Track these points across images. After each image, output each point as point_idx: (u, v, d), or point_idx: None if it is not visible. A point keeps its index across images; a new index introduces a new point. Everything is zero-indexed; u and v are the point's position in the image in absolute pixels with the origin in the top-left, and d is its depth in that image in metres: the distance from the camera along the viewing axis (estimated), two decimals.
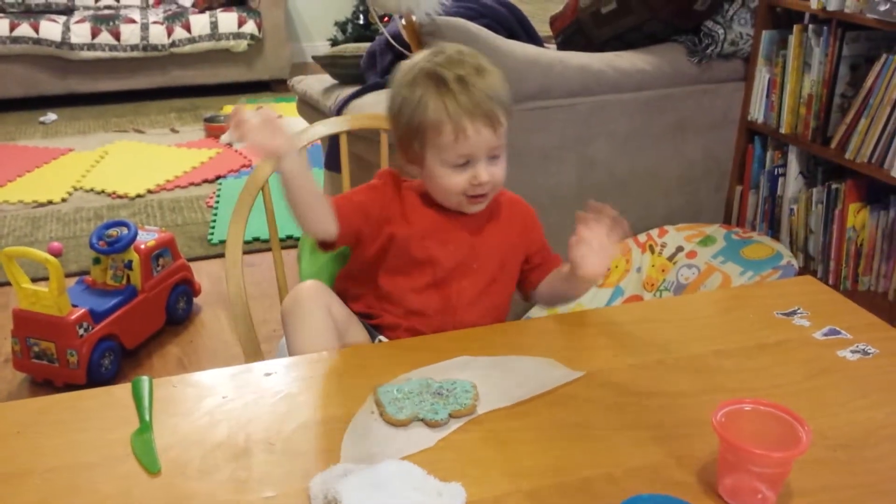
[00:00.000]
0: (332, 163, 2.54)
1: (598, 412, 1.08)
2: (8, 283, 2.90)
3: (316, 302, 1.31)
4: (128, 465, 0.97)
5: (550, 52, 2.33)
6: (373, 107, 2.46)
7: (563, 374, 1.15)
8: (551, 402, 1.09)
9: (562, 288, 1.41)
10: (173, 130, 4.75)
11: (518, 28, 2.59)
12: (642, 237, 2.49)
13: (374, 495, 0.86)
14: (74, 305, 2.39)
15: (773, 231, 2.60)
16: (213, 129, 4.61)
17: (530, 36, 2.61)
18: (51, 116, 4.93)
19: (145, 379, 1.10)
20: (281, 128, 1.21)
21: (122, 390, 1.10)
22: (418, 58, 1.34)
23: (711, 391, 1.12)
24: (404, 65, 1.36)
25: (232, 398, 1.09)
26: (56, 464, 0.97)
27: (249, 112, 1.19)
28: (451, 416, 1.05)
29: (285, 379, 1.15)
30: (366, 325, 1.38)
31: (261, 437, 1.02)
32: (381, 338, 1.37)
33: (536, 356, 1.19)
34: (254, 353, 1.46)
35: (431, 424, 1.03)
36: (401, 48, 2.37)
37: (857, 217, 2.33)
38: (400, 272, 1.37)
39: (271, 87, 5.51)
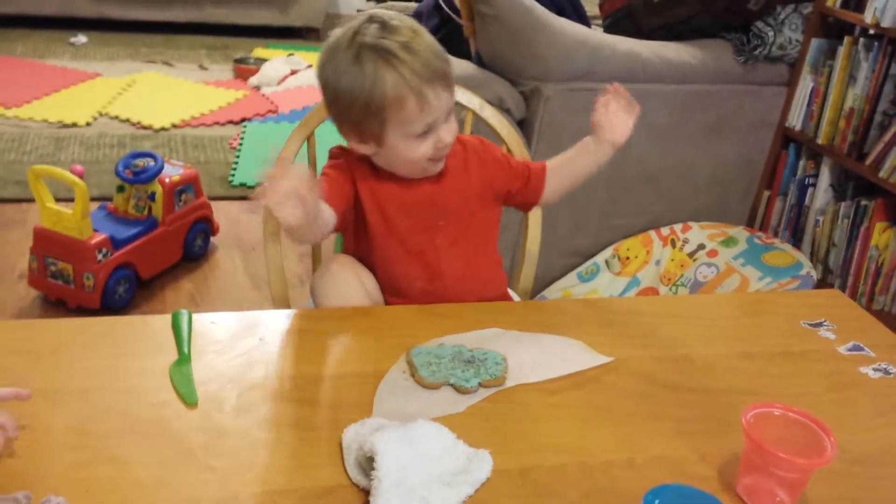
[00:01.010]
0: None
1: (624, 399, 1.09)
2: (28, 200, 2.91)
3: (348, 272, 1.31)
4: (164, 393, 0.98)
5: (599, 35, 2.32)
6: None
7: (593, 357, 1.16)
8: (579, 384, 1.11)
9: (576, 162, 1.44)
10: (202, 67, 4.73)
11: (567, 5, 2.57)
12: (665, 230, 2.50)
13: (406, 451, 0.88)
14: (95, 230, 2.40)
15: (796, 240, 2.61)
16: (243, 70, 4.59)
17: (579, 14, 2.60)
18: (81, 39, 4.90)
19: (185, 312, 1.11)
20: (308, 199, 1.05)
21: (160, 321, 1.12)
22: (342, 35, 1.24)
23: (736, 392, 1.13)
24: (330, 45, 1.25)
25: (269, 341, 1.11)
26: (93, 384, 0.99)
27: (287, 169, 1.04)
28: (480, 385, 1.06)
29: (321, 328, 1.16)
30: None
31: (296, 382, 1.03)
32: None
33: (566, 337, 1.21)
34: (283, 298, 1.47)
35: (461, 391, 1.05)
36: (449, 11, 2.36)
37: (882, 236, 2.33)
38: (377, 247, 1.36)
39: (303, 34, 5.47)
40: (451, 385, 1.06)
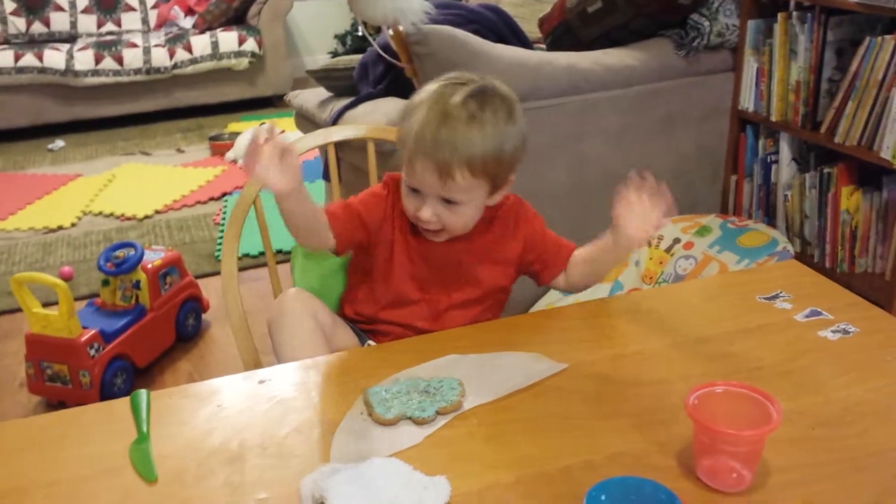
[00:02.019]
0: (329, 173, 2.59)
1: (580, 402, 1.11)
2: (21, 310, 2.96)
3: (301, 309, 1.34)
4: (126, 475, 1.01)
5: (538, 54, 2.37)
6: (366, 117, 2.50)
7: (548, 366, 1.18)
8: (535, 395, 1.13)
9: (600, 259, 1.37)
10: (179, 150, 4.81)
11: (507, 32, 2.62)
12: None
13: (359, 492, 0.90)
14: (85, 327, 2.44)
15: (770, 218, 2.62)
16: (218, 147, 4.67)
17: (519, 39, 2.65)
18: (58, 143, 5.00)
19: (143, 392, 1.14)
20: (293, 163, 1.16)
21: (122, 404, 1.14)
22: (449, 82, 1.31)
23: (691, 377, 1.14)
24: (450, 75, 1.34)
25: (226, 406, 1.13)
26: (58, 477, 1.01)
27: (264, 139, 1.14)
28: (437, 412, 1.08)
29: (278, 385, 1.18)
30: (355, 329, 1.41)
31: (254, 442, 1.06)
32: (370, 342, 1.40)
33: (523, 351, 1.22)
34: (253, 363, 1.49)
35: (419, 422, 1.07)
36: (390, 59, 2.41)
37: (851, 200, 2.35)
38: (391, 281, 1.41)
39: (273, 102, 5.57)
40: (409, 418, 1.08)
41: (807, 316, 1.30)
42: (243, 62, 5.30)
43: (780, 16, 2.42)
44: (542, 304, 2.49)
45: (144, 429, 1.07)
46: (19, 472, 1.03)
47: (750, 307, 1.33)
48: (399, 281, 1.40)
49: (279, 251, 3.09)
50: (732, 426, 0.93)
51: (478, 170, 1.26)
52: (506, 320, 1.41)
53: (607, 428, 1.05)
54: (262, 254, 3.30)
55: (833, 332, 1.26)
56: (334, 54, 5.75)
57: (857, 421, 1.06)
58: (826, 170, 2.39)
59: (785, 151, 2.51)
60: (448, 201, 1.29)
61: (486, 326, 1.36)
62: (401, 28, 2.22)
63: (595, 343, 1.25)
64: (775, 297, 1.36)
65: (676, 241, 2.43)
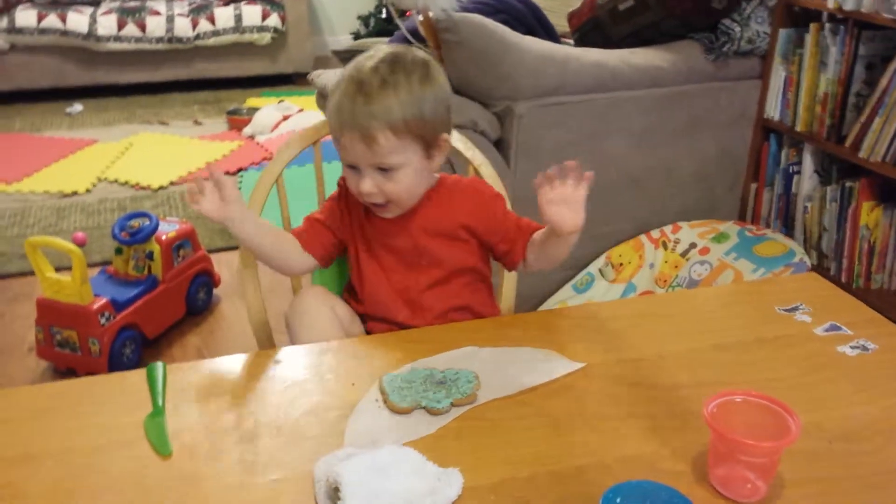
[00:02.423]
0: None
1: (596, 403, 1.10)
2: (33, 273, 2.96)
3: (320, 303, 1.35)
4: (140, 447, 1.01)
5: (566, 49, 2.35)
6: None
7: (564, 365, 1.17)
8: (551, 393, 1.12)
9: (549, 248, 1.35)
10: (197, 122, 4.81)
11: (535, 24, 2.61)
12: (655, 233, 2.51)
13: (373, 478, 0.90)
14: (97, 295, 2.44)
15: (787, 229, 2.61)
16: (236, 121, 4.66)
17: (548, 32, 2.63)
18: (76, 107, 5.00)
19: (159, 364, 1.14)
20: (232, 195, 1.26)
21: (136, 376, 1.14)
22: (365, 55, 1.32)
23: (707, 384, 1.14)
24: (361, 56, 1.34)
25: (242, 384, 1.13)
26: (70, 446, 1.01)
27: (203, 180, 1.25)
28: (452, 404, 1.08)
29: (294, 366, 1.18)
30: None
31: (268, 421, 1.06)
32: None
33: (539, 348, 1.22)
34: (268, 344, 1.49)
35: (433, 412, 1.07)
36: (418, 44, 2.40)
37: (871, 215, 2.33)
38: (364, 278, 1.41)
39: (294, 80, 5.55)
40: (424, 408, 1.07)
41: (826, 330, 1.29)
42: (266, 37, 5.29)
43: (812, 26, 2.40)
44: (553, 301, 2.48)
45: (160, 402, 1.07)
46: (30, 440, 1.03)
47: (769, 317, 1.33)
48: (370, 274, 1.41)
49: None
50: (749, 436, 0.93)
51: (400, 131, 1.26)
52: (522, 316, 1.40)
53: (622, 430, 1.05)
54: None
55: (852, 347, 1.25)
56: (357, 35, 5.73)
57: (873, 438, 1.06)
58: (848, 184, 2.37)
59: (808, 163, 2.50)
60: (384, 170, 1.29)
61: (502, 321, 1.36)
62: (431, 14, 2.21)
63: (612, 344, 1.25)
64: (795, 308, 1.35)
65: (693, 245, 2.42)
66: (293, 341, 1.35)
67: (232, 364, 1.19)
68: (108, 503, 0.93)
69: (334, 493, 0.89)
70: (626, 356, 1.21)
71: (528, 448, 1.02)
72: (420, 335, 1.29)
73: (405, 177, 1.30)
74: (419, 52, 1.33)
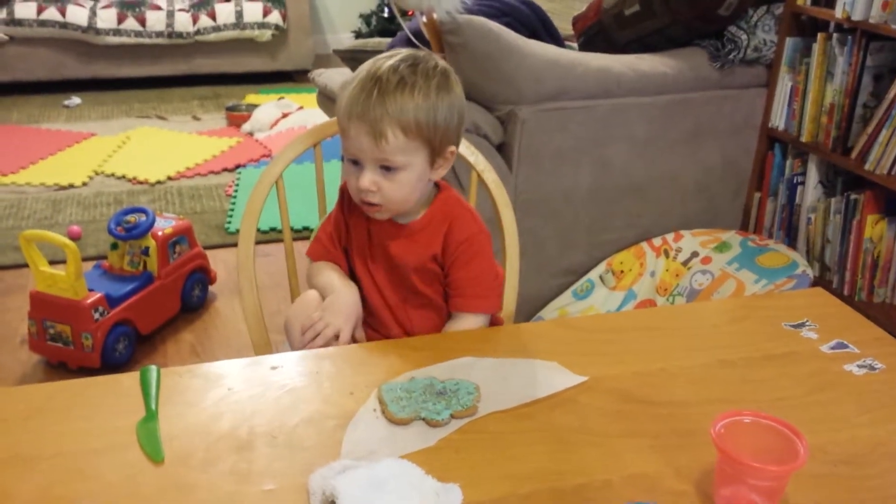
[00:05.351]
0: None
1: (599, 418, 1.08)
2: (27, 265, 2.93)
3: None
4: (132, 453, 0.98)
5: (571, 53, 2.33)
6: None
7: (566, 378, 1.15)
8: (553, 406, 1.10)
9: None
10: (195, 118, 4.78)
11: (540, 27, 2.59)
12: (657, 241, 2.49)
13: (370, 494, 0.87)
14: (91, 289, 2.42)
15: (790, 239, 2.59)
16: (235, 117, 4.63)
17: (552, 35, 2.61)
18: (75, 100, 4.97)
19: (153, 368, 1.11)
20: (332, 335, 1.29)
21: (129, 378, 1.12)
22: (385, 55, 1.31)
23: (713, 402, 1.12)
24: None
25: (237, 390, 1.10)
26: (62, 449, 0.99)
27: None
28: (452, 416, 1.06)
29: (291, 373, 1.16)
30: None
31: (264, 430, 1.03)
32: None
33: (541, 360, 1.20)
34: (264, 345, 1.47)
35: (432, 424, 1.04)
36: (421, 45, 2.38)
37: (875, 228, 2.31)
38: (364, 288, 1.39)
39: (294, 77, 5.53)
40: (423, 419, 1.05)
41: (832, 348, 1.27)
42: (266, 34, 5.26)
43: (819, 36, 2.38)
44: (552, 307, 2.46)
45: (153, 407, 1.04)
46: (22, 440, 1.00)
47: (775, 333, 1.30)
48: (366, 286, 1.39)
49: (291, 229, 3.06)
50: (756, 458, 0.90)
51: (411, 131, 1.24)
52: (523, 326, 1.38)
53: (626, 447, 1.03)
54: (272, 229, 3.27)
55: (859, 366, 1.23)
56: (358, 34, 5.70)
57: (880, 461, 1.03)
58: (853, 196, 2.35)
59: (812, 173, 2.48)
60: (386, 168, 1.26)
61: (503, 331, 1.34)
62: (435, 16, 2.18)
63: (616, 357, 1.22)
64: (801, 325, 1.33)
65: (695, 254, 2.40)
66: (292, 346, 1.32)
67: (228, 369, 1.17)
68: None
69: None
70: (630, 370, 1.19)
71: (528, 463, 0.99)
72: (420, 343, 1.26)
73: (406, 179, 1.28)
74: (440, 60, 1.31)
